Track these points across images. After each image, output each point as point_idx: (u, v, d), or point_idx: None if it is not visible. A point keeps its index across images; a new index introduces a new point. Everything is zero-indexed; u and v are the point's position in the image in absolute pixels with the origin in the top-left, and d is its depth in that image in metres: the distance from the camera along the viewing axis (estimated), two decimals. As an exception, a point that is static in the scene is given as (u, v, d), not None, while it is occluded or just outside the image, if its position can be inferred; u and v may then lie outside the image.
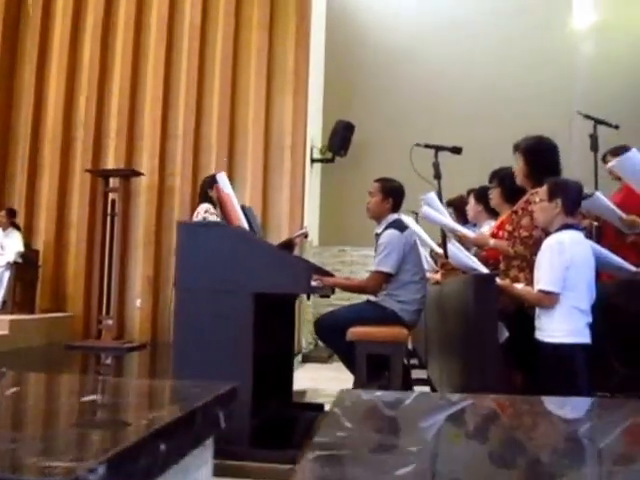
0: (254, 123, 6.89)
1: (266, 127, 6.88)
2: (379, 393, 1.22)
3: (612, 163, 3.21)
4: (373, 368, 3.45)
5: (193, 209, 6.45)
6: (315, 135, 8.20)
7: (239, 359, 2.87)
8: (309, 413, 3.59)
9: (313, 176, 8.11)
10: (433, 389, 4.44)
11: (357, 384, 3.22)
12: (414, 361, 6.12)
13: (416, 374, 5.32)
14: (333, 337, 3.53)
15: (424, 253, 4.60)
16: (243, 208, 3.84)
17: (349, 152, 8.08)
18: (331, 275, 4.12)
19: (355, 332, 3.28)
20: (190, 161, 6.90)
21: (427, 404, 1.26)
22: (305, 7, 7.14)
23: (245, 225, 3.43)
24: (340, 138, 7.93)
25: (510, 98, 8.04)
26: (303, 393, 4.66)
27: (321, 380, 5.51)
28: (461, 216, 4.68)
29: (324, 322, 3.70)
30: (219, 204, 3.77)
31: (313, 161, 8.02)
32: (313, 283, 3.40)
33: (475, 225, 4.33)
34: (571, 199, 2.78)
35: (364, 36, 8.66)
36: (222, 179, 3.58)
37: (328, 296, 4.32)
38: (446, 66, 8.37)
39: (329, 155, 8.15)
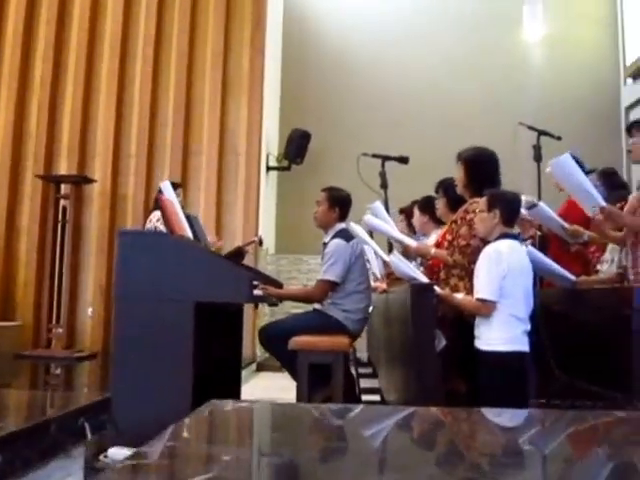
0: (209, 130, 6.83)
1: (221, 134, 6.83)
2: (243, 404, 1.23)
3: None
4: (322, 377, 3.44)
5: (146, 217, 6.39)
6: (272, 143, 8.18)
7: (179, 369, 2.84)
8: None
9: (269, 184, 8.09)
10: (383, 398, 4.45)
11: (299, 393, 3.20)
12: (368, 370, 6.13)
13: (371, 383, 5.34)
14: (276, 346, 3.52)
15: (376, 261, 4.62)
16: (188, 217, 3.80)
17: (305, 160, 8.09)
18: (279, 284, 4.11)
19: (297, 341, 3.27)
20: (144, 167, 6.80)
21: (288, 414, 1.26)
22: (261, 14, 7.13)
23: (189, 234, 3.39)
24: (296, 146, 7.93)
25: (460, 108, 8.17)
26: (254, 403, 4.61)
27: (274, 389, 5.47)
28: (410, 225, 4.73)
29: (268, 331, 3.68)
30: (162, 213, 3.73)
31: (269, 169, 8.00)
32: (257, 292, 3.39)
33: (424, 235, 4.37)
34: (509, 210, 2.83)
35: (322, 44, 8.70)
36: (166, 188, 3.55)
37: (276, 305, 4.31)
38: (402, 76, 8.46)
39: (285, 163, 8.14)
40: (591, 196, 3.12)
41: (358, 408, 1.44)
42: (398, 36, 8.55)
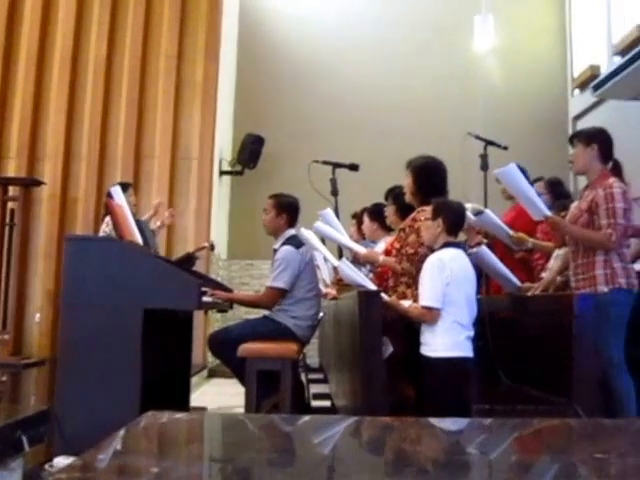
0: (161, 133, 6.74)
1: (173, 138, 6.76)
2: (179, 415, 1.22)
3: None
4: (271, 384, 3.42)
5: (97, 220, 6.25)
6: (225, 147, 8.13)
7: (127, 377, 2.79)
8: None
9: (222, 188, 8.03)
10: (333, 404, 4.46)
11: (248, 400, 3.18)
12: (320, 375, 6.15)
13: (323, 388, 5.35)
14: (225, 352, 3.49)
15: (326, 267, 4.64)
16: (138, 222, 3.75)
17: (259, 165, 8.06)
18: (229, 290, 4.08)
19: (246, 348, 3.25)
20: (95, 170, 6.65)
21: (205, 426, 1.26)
22: (216, 18, 7.09)
23: (138, 239, 3.34)
24: (249, 151, 7.90)
25: (411, 117, 8.29)
26: (204, 410, 4.55)
27: (225, 396, 5.42)
28: (361, 230, 4.77)
29: (217, 337, 3.66)
30: (111, 218, 3.67)
31: (222, 173, 7.94)
32: (207, 298, 3.37)
33: (373, 241, 4.41)
34: (452, 219, 2.88)
35: (277, 50, 8.69)
36: (116, 192, 3.49)
37: (225, 311, 4.29)
38: (355, 84, 8.52)
39: (238, 168, 8.09)
40: (535, 205, 3.21)
41: (299, 418, 1.44)
42: (353, 44, 8.62)
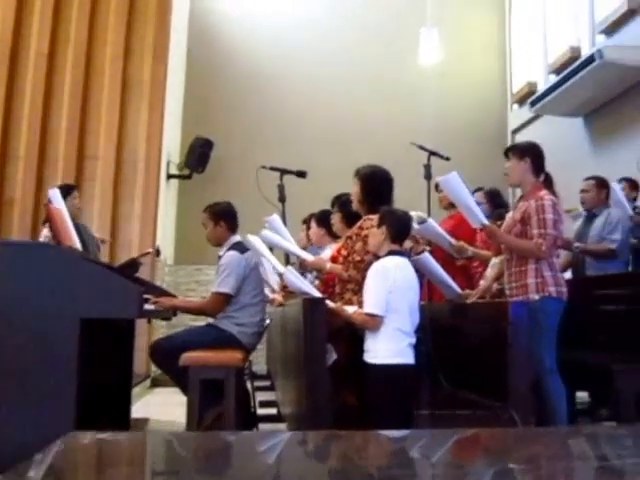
0: (106, 134, 6.56)
1: (119, 139, 6.59)
2: (102, 436, 1.17)
3: (439, 180, 3.45)
4: (216, 393, 3.38)
5: (35, 225, 6.04)
6: (173, 150, 8.02)
7: (61, 390, 2.68)
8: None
9: (169, 192, 7.92)
10: (280, 412, 4.45)
11: (190, 411, 3.13)
12: (267, 383, 6.12)
13: (270, 396, 5.32)
14: (167, 362, 3.42)
15: (273, 273, 4.62)
16: (77, 226, 3.65)
17: (207, 169, 7.98)
18: (173, 297, 4.02)
19: (188, 357, 3.20)
20: (33, 171, 6.39)
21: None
22: (165, 19, 6.97)
23: (77, 244, 3.26)
24: (198, 154, 7.81)
25: (358, 126, 8.40)
26: (145, 421, 4.47)
27: (169, 405, 5.32)
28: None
29: (158, 346, 3.59)
30: (50, 222, 3.56)
31: (170, 177, 7.82)
32: (149, 306, 3.30)
33: (320, 247, 4.43)
34: (397, 227, 2.92)
35: (228, 53, 8.64)
36: (54, 196, 3.39)
37: (169, 319, 4.22)
38: (305, 92, 8.57)
39: (186, 171, 7.99)
40: (474, 213, 3.29)
41: (227, 435, 1.41)
42: (303, 52, 8.67)
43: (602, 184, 4.60)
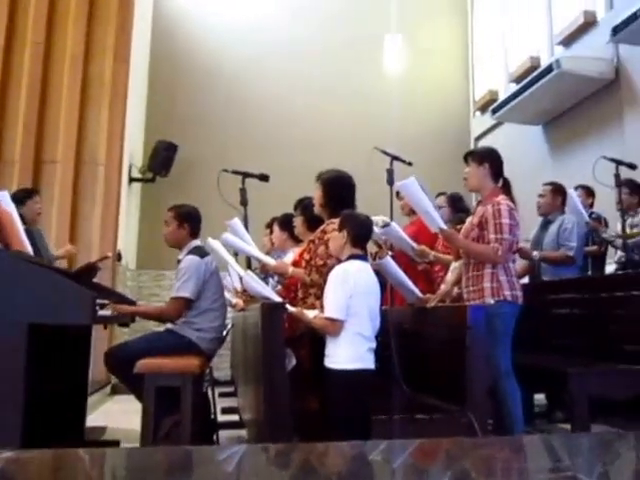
0: (65, 137, 6.39)
1: (78, 142, 6.43)
2: (20, 454, 1.08)
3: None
4: (175, 401, 3.31)
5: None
6: (136, 153, 7.90)
7: (7, 401, 2.59)
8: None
9: (132, 196, 7.80)
10: (241, 418, 4.40)
11: (145, 420, 3.06)
12: (231, 389, 6.07)
13: (234, 402, 5.26)
14: (122, 369, 3.34)
15: (237, 277, 4.59)
16: (28, 231, 3.56)
17: (171, 172, 7.89)
18: (132, 302, 3.95)
19: (143, 364, 3.12)
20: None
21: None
22: (126, 19, 6.86)
23: (28, 248, 3.17)
24: (161, 158, 7.71)
25: (322, 130, 8.44)
26: (102, 430, 4.37)
27: (129, 413, 5.21)
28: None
29: (113, 353, 3.50)
30: None
31: (132, 180, 7.70)
32: (105, 312, 3.24)
33: (282, 251, 4.41)
34: (358, 231, 2.92)
35: (192, 56, 8.57)
36: (4, 198, 3.30)
37: (127, 325, 4.14)
38: (270, 96, 8.56)
39: (149, 175, 7.88)
40: (432, 217, 3.31)
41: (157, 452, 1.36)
42: (268, 54, 8.65)
43: (558, 190, 4.69)
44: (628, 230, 4.48)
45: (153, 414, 3.03)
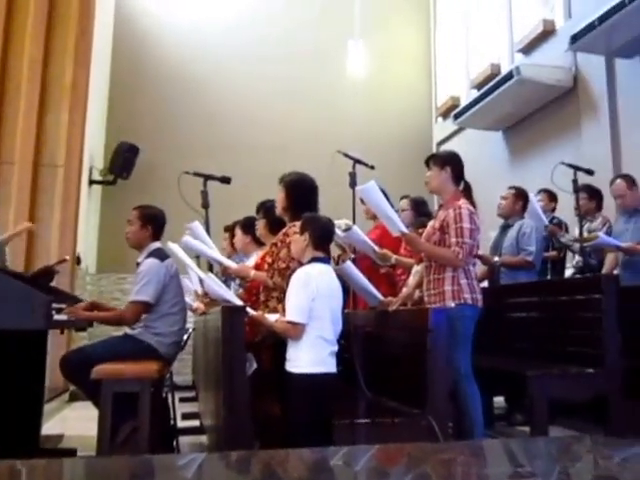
0: (22, 138, 6.26)
1: (37, 144, 6.30)
2: None
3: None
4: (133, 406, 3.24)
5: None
6: (96, 155, 7.77)
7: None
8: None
9: (92, 199, 7.65)
10: (202, 424, 4.34)
11: (101, 426, 2.99)
12: (193, 394, 5.99)
13: (196, 407, 5.19)
14: (78, 375, 3.25)
15: (198, 281, 4.53)
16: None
17: (133, 175, 7.78)
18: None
19: (100, 369, 3.04)
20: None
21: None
22: (86, 23, 6.75)
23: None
24: (122, 160, 7.60)
25: (285, 133, 8.45)
26: (59, 437, 4.26)
27: (88, 420, 5.09)
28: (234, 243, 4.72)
29: (68, 359, 3.40)
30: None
31: (92, 183, 7.57)
32: (60, 317, 3.15)
33: (245, 255, 4.38)
34: (319, 234, 2.90)
35: (154, 59, 8.48)
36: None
37: (84, 329, 4.05)
38: (233, 98, 8.53)
39: (111, 177, 7.75)
40: (393, 221, 3.33)
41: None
42: (231, 58, 8.63)
43: (520, 195, 4.75)
44: (586, 235, 4.56)
45: (111, 421, 2.95)
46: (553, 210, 5.26)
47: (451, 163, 3.37)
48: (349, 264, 3.35)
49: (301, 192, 3.32)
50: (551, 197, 5.22)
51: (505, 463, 1.32)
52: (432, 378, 2.63)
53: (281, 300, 3.18)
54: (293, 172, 3.41)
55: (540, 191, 5.15)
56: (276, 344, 2.98)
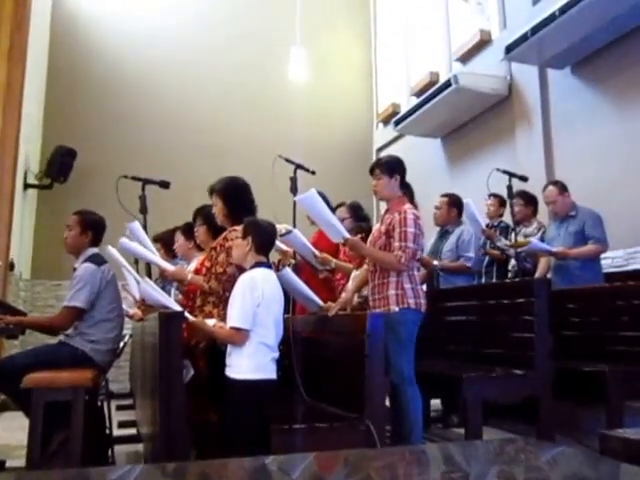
0: (-49, 139, 6.01)
1: (-33, 144, 6.07)
2: None
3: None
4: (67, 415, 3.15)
5: None
6: (32, 158, 7.50)
7: None
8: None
9: (27, 203, 7.39)
10: (139, 432, 4.26)
11: (32, 436, 2.89)
12: (131, 402, 5.86)
13: (133, 415, 5.08)
14: (8, 384, 3.12)
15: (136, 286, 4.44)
16: None
17: (70, 179, 7.54)
18: (22, 313, 3.74)
19: (31, 378, 2.94)
20: None
21: None
22: (22, 20, 6.51)
23: None
24: (59, 163, 7.34)
25: (226, 137, 8.39)
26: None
27: (18, 431, 4.91)
28: (170, 251, 4.64)
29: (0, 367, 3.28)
30: None
31: (27, 186, 7.30)
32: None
33: (187, 261, 4.31)
34: (261, 238, 2.89)
35: (92, 60, 8.26)
36: None
37: (16, 337, 3.91)
38: (174, 101, 8.41)
39: (47, 181, 7.50)
40: (335, 228, 3.34)
41: None
42: (171, 60, 8.51)
43: (454, 202, 4.84)
44: (520, 239, 4.68)
45: (42, 430, 2.86)
46: (501, 215, 5.28)
47: (400, 169, 3.41)
48: (288, 270, 3.35)
49: (236, 195, 3.30)
50: (501, 202, 5.22)
51: (441, 467, 1.34)
52: (370, 382, 2.65)
53: (217, 305, 3.16)
54: (220, 179, 3.39)
55: (490, 195, 5.16)
56: (211, 349, 2.95)
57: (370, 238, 3.51)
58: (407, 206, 3.32)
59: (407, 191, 3.51)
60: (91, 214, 3.69)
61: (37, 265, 7.74)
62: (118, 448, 3.85)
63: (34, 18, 6.85)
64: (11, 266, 6.42)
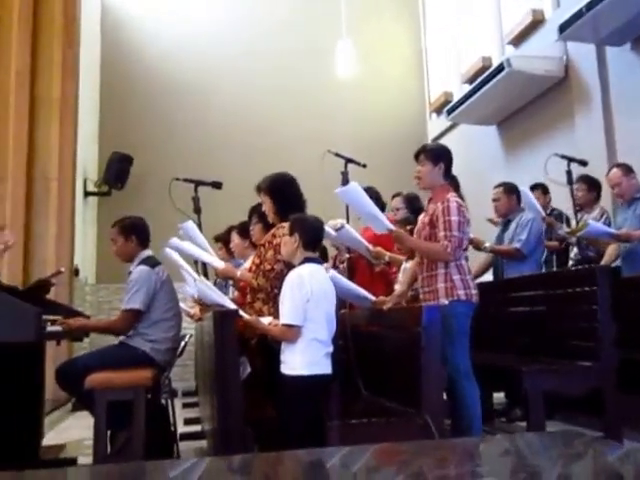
0: (14, 154, 6.23)
1: (29, 159, 6.28)
2: None
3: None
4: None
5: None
6: (90, 167, 7.76)
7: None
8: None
9: (88, 210, 7.65)
10: (203, 429, 4.33)
11: (97, 435, 2.98)
12: (195, 399, 5.99)
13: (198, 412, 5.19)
14: (73, 385, 3.24)
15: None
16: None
17: (128, 184, 7.77)
18: (85, 317, 3.85)
19: (93, 379, 3.03)
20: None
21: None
22: (72, 34, 6.74)
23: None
24: (116, 170, 7.59)
25: (275, 135, 8.44)
26: (60, 448, 4.24)
27: (89, 429, 5.09)
28: (230, 251, 4.69)
29: (63, 370, 3.39)
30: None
31: (88, 194, 7.56)
32: (53, 328, 3.14)
33: (244, 260, 4.35)
34: (309, 234, 2.87)
35: (144, 67, 8.48)
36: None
37: (81, 339, 4.04)
38: (222, 103, 8.53)
39: (105, 188, 7.75)
40: (378, 220, 3.28)
41: None
42: (221, 63, 8.63)
43: (510, 190, 4.71)
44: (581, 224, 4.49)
45: (106, 428, 2.94)
46: (548, 203, 5.19)
47: (445, 158, 3.30)
48: (333, 273, 3.29)
49: (282, 191, 3.29)
50: (544, 190, 5.15)
51: (499, 460, 1.30)
52: (427, 376, 2.60)
53: (266, 302, 3.16)
54: (266, 176, 3.38)
55: (532, 188, 5.03)
56: (266, 346, 2.96)
57: (415, 230, 3.44)
58: (450, 194, 3.23)
59: (452, 182, 3.40)
60: (127, 219, 3.76)
61: (101, 270, 7.99)
62: (184, 444, 3.93)
63: (84, 31, 7.08)
64: (76, 272, 6.67)
